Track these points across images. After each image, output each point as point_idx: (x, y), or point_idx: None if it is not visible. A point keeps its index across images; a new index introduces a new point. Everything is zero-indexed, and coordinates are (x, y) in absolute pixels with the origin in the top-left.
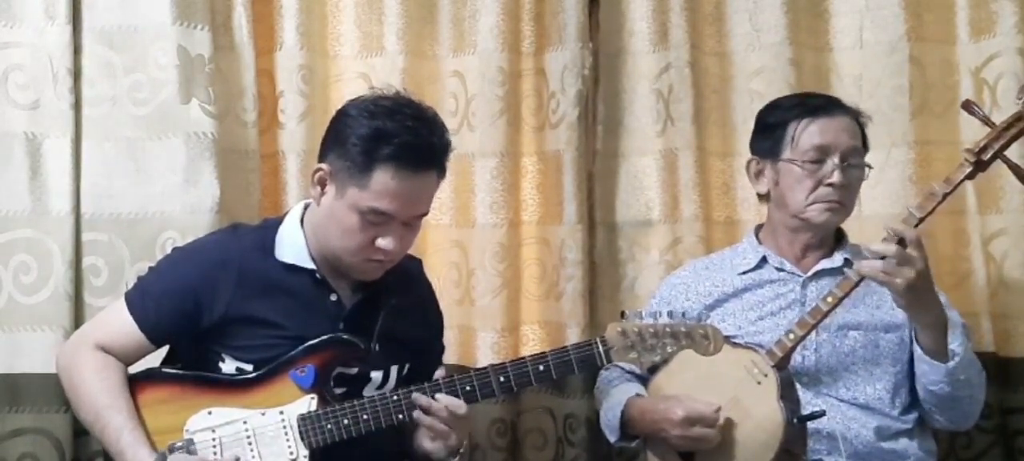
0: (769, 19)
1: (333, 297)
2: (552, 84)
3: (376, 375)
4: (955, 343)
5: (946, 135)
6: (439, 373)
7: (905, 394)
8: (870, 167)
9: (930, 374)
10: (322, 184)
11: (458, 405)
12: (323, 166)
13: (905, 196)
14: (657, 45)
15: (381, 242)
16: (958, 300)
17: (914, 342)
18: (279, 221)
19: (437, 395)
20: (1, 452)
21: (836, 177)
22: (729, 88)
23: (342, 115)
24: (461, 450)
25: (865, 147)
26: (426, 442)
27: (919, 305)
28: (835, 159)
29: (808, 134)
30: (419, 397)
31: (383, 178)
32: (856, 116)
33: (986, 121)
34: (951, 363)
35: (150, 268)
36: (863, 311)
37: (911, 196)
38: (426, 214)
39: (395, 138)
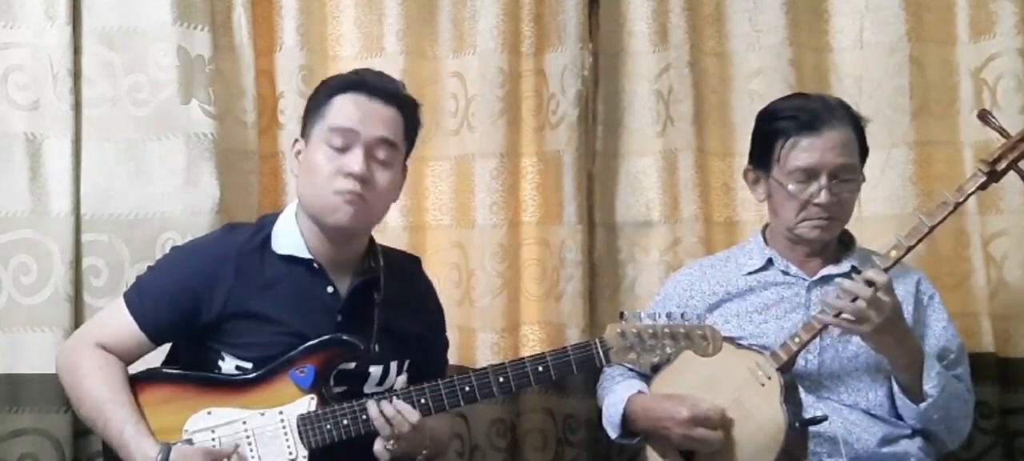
0: (769, 20)
1: (330, 289)
2: (552, 85)
3: (375, 371)
4: (930, 384)
5: (946, 136)
6: (401, 380)
7: None
8: (863, 178)
9: (903, 410)
10: (298, 154)
11: (408, 412)
12: (300, 138)
13: (905, 197)
14: (657, 45)
15: (344, 161)
16: (958, 300)
17: (892, 377)
18: (275, 217)
19: (395, 401)
20: (1, 452)
21: (823, 198)
22: (729, 89)
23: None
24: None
25: (864, 151)
26: (377, 445)
27: (888, 348)
28: (822, 180)
29: (793, 156)
30: (370, 404)
31: (340, 102)
32: (853, 122)
33: (1001, 131)
34: (923, 404)
35: (149, 267)
36: None
37: (911, 197)
38: (393, 146)
39: (354, 75)
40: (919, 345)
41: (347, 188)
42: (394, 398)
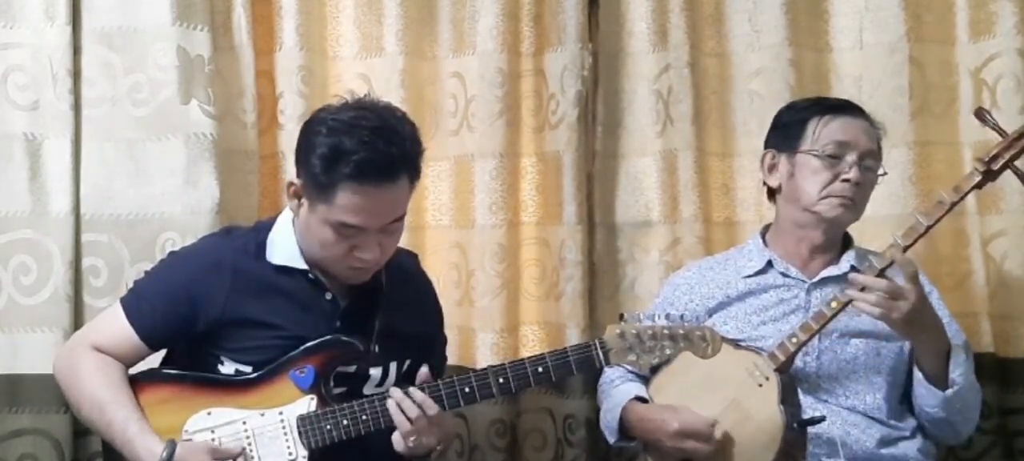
0: (769, 20)
1: (328, 296)
2: (552, 85)
3: (375, 372)
4: (957, 372)
5: (946, 136)
6: (424, 372)
7: (905, 402)
8: (885, 172)
9: (928, 398)
10: (297, 197)
11: (429, 404)
12: (295, 181)
13: (905, 197)
14: (657, 46)
15: (359, 253)
16: (958, 300)
17: (915, 365)
18: (270, 223)
19: (411, 390)
20: (1, 452)
21: (853, 173)
22: (728, 89)
23: (305, 131)
24: (431, 455)
25: (879, 155)
26: (396, 438)
27: (919, 333)
28: (853, 156)
29: (829, 129)
30: (394, 390)
31: (346, 196)
32: (873, 123)
33: (998, 130)
34: (950, 391)
35: (145, 273)
36: (866, 319)
37: (911, 197)
38: (403, 217)
39: (352, 156)
40: (945, 333)
41: (359, 266)
42: (413, 391)
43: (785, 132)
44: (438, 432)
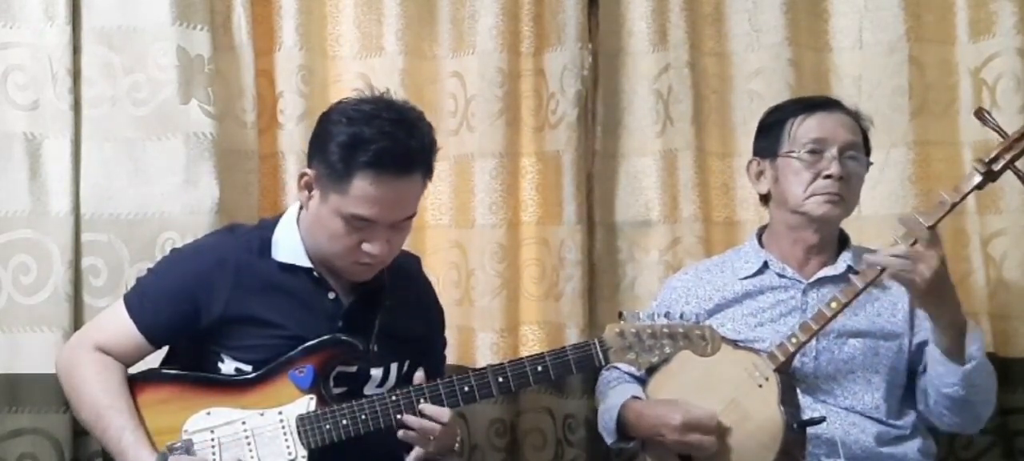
0: (769, 19)
1: (331, 295)
2: (551, 84)
3: (376, 372)
4: (973, 346)
5: (945, 136)
6: (419, 376)
7: (904, 401)
8: (871, 163)
9: (946, 376)
10: (308, 188)
11: (440, 413)
12: (308, 171)
13: (904, 196)
14: (656, 45)
15: (367, 247)
16: None
17: (931, 343)
18: (275, 221)
19: (421, 406)
20: (1, 452)
21: (834, 168)
22: (728, 88)
23: (324, 120)
24: (454, 448)
25: (867, 148)
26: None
27: (938, 303)
28: (833, 151)
29: (805, 128)
30: (409, 419)
31: (362, 185)
32: (856, 117)
33: (998, 130)
34: (968, 366)
35: (148, 270)
36: (863, 318)
37: (911, 196)
38: (413, 216)
39: (372, 145)
40: (961, 310)
41: (366, 262)
42: (425, 408)
43: (765, 137)
44: (450, 435)
